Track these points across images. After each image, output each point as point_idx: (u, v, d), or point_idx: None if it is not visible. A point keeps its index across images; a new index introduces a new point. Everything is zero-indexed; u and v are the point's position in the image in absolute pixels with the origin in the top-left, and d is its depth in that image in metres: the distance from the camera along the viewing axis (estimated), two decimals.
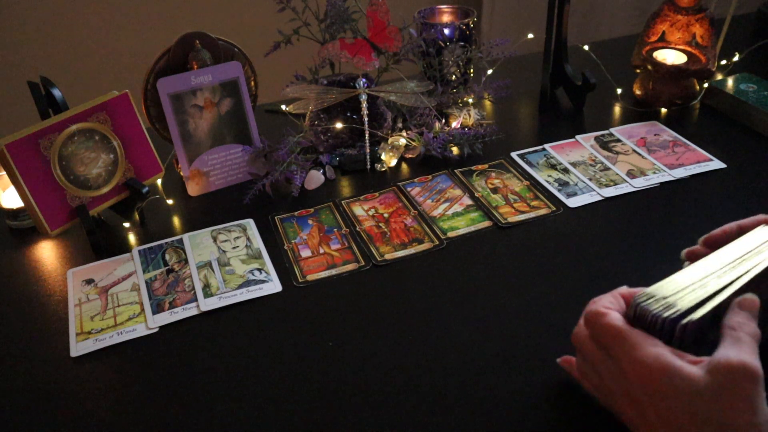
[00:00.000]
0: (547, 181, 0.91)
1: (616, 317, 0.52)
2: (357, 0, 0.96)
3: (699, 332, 0.50)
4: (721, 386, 0.45)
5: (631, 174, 0.91)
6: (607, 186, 0.89)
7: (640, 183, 0.89)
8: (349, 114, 0.98)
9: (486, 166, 0.96)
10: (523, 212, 0.85)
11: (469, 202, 0.88)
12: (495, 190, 0.90)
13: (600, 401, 0.56)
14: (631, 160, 0.95)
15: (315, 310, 0.72)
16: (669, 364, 0.46)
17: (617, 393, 0.51)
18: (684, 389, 0.46)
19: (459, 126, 1.02)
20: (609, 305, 0.53)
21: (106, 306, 0.74)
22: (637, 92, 1.09)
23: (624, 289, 0.56)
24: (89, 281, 0.78)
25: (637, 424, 0.50)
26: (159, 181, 0.90)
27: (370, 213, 0.87)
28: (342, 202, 0.90)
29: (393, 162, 0.97)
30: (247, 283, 0.76)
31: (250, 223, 0.86)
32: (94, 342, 0.69)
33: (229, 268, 0.79)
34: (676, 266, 0.74)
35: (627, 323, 0.51)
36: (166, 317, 0.72)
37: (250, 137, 0.95)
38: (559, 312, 0.69)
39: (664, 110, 1.07)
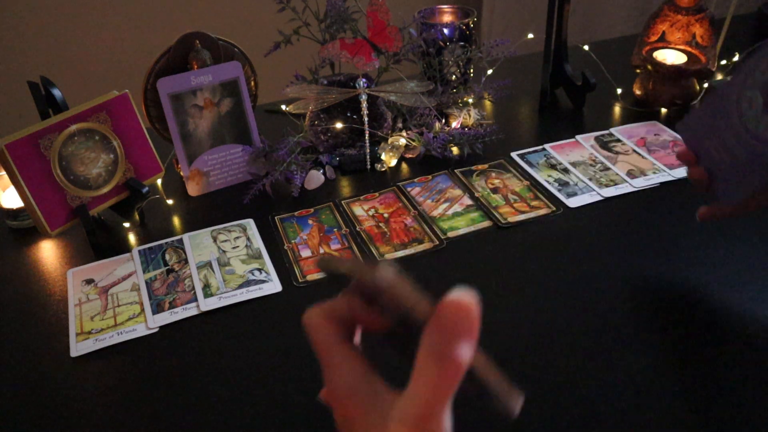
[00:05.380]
0: (547, 181, 0.91)
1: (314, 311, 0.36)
2: (357, 0, 0.96)
3: None
4: None
5: (631, 174, 0.91)
6: (607, 186, 0.89)
7: (640, 183, 0.89)
8: (349, 114, 0.98)
9: (486, 166, 0.96)
10: (523, 212, 0.85)
11: (469, 202, 0.88)
12: (495, 190, 0.90)
13: None
14: (631, 160, 0.95)
15: None
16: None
17: None
18: None
19: (459, 126, 1.02)
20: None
21: (106, 306, 0.74)
22: (637, 92, 1.09)
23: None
24: (89, 281, 0.78)
25: None
26: (159, 181, 0.90)
27: (370, 213, 0.87)
28: (342, 202, 0.90)
29: (393, 162, 0.97)
30: (247, 283, 0.76)
31: (250, 223, 0.86)
32: (94, 342, 0.69)
33: (229, 268, 0.79)
34: (675, 266, 0.75)
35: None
36: (166, 317, 0.72)
37: (250, 137, 0.95)
38: (559, 312, 0.69)
39: (664, 110, 1.07)
